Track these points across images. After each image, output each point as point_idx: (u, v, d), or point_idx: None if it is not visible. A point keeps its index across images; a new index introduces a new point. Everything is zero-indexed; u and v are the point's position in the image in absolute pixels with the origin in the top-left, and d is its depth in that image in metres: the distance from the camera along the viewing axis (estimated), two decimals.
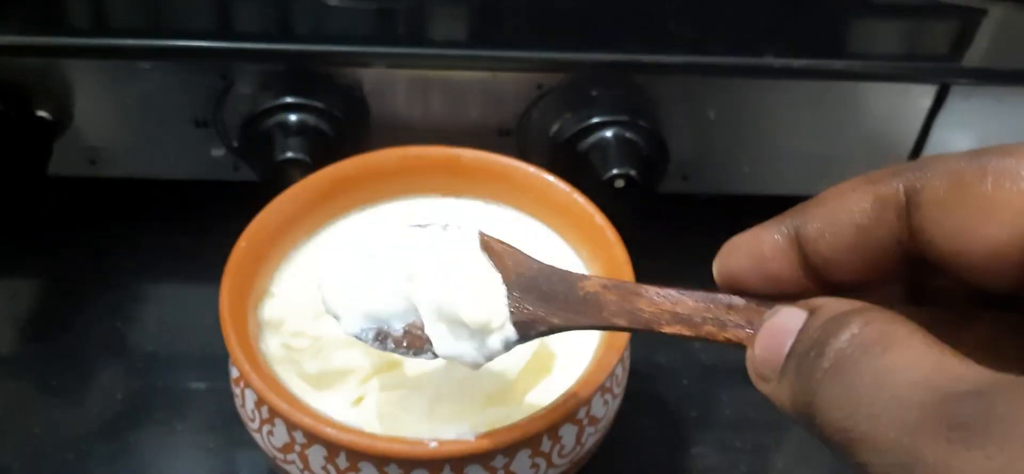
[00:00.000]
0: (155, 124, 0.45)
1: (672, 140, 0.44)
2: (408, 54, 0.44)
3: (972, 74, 0.44)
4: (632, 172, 0.42)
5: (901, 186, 0.20)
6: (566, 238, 0.40)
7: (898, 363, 0.17)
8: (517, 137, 0.46)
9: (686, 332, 0.23)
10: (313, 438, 0.31)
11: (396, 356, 0.33)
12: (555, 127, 0.44)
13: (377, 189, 0.41)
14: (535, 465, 0.32)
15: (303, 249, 0.39)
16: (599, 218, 0.38)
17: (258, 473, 0.40)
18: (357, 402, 0.34)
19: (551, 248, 0.40)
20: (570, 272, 0.26)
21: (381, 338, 0.27)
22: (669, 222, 0.47)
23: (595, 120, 0.43)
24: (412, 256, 0.27)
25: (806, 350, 0.19)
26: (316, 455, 0.31)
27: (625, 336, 0.33)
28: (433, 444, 0.29)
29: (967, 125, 0.45)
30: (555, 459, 0.32)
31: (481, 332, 0.26)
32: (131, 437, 0.41)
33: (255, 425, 0.33)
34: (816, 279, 0.22)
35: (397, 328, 0.27)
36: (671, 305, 0.24)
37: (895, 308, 0.19)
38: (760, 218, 0.23)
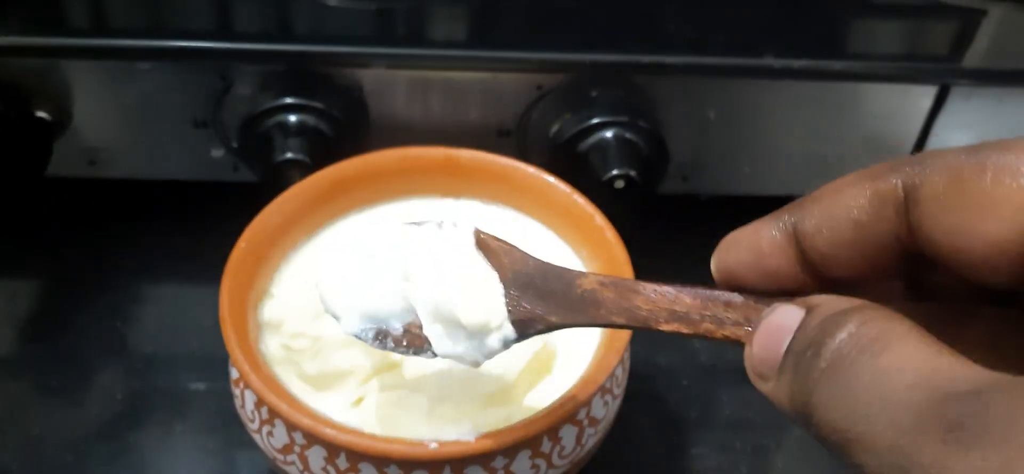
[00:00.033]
0: (155, 124, 0.45)
1: (672, 141, 0.44)
2: (408, 54, 0.44)
3: (972, 75, 0.44)
4: (632, 173, 0.42)
5: (899, 182, 0.20)
6: (566, 239, 0.40)
7: (895, 363, 0.17)
8: (517, 138, 0.45)
9: (684, 329, 0.23)
10: (313, 439, 0.31)
11: (396, 356, 0.34)
12: (555, 128, 0.44)
13: (377, 190, 0.41)
14: (535, 466, 0.31)
15: (303, 250, 0.39)
16: (599, 218, 0.38)
17: None
18: (357, 403, 0.34)
19: (551, 249, 0.40)
20: (567, 269, 0.26)
21: (381, 337, 0.27)
22: (669, 223, 0.47)
23: (595, 121, 0.43)
24: (408, 256, 0.27)
25: (803, 349, 0.19)
26: (316, 456, 0.31)
27: (625, 336, 0.33)
28: (433, 445, 0.29)
29: (968, 126, 0.45)
30: (555, 460, 0.32)
31: (479, 332, 0.26)
32: (131, 437, 0.41)
33: (255, 426, 0.33)
34: (814, 275, 0.21)
35: (397, 327, 0.27)
36: (669, 302, 0.24)
37: (894, 305, 0.19)
38: None
